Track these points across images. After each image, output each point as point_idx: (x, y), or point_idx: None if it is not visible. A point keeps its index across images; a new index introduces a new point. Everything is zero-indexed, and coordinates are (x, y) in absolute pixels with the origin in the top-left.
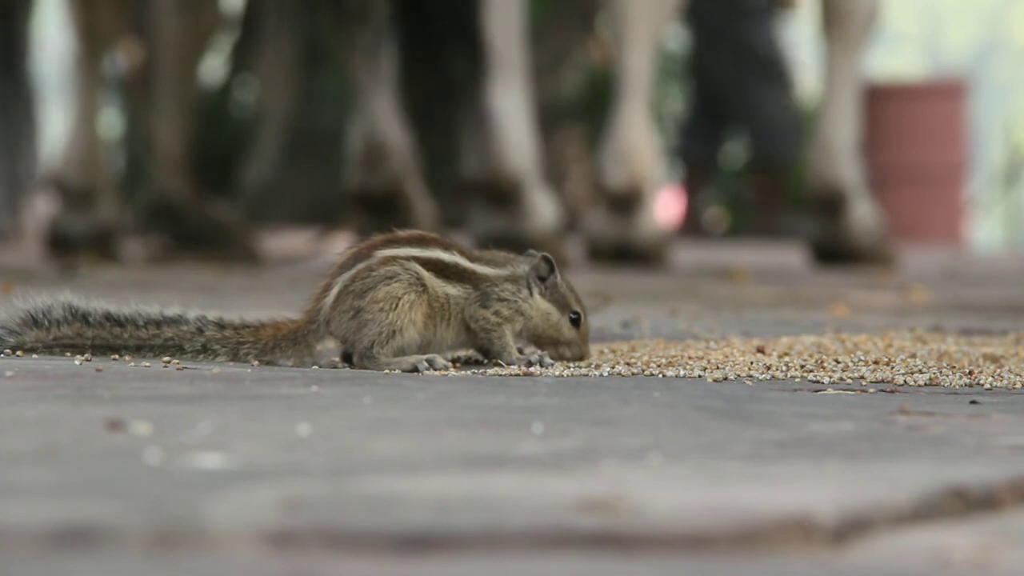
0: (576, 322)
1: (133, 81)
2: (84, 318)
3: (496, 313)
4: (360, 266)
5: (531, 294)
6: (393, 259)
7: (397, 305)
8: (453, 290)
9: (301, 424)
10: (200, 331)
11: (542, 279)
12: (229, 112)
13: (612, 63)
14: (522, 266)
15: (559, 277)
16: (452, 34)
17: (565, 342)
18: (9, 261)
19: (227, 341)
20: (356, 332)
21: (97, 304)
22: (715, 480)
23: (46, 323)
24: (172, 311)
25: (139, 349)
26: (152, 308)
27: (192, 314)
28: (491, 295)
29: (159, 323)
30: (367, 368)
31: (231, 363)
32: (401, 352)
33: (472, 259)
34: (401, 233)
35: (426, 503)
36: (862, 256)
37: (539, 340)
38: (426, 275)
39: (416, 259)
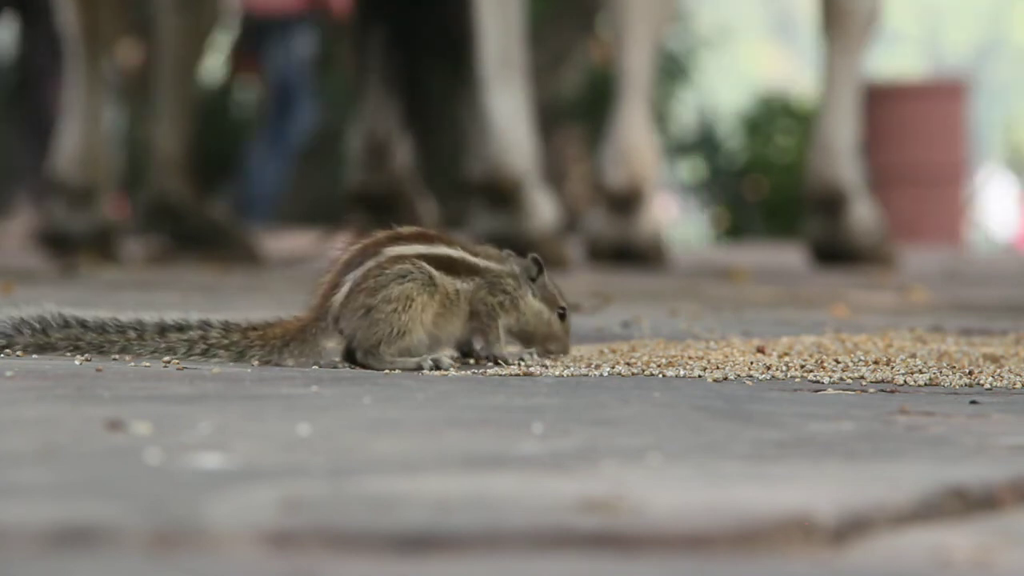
0: (563, 317)
1: (133, 81)
2: (82, 324)
3: (500, 304)
4: (370, 264)
5: (526, 294)
6: (403, 257)
7: (410, 306)
8: (463, 284)
9: (301, 424)
10: (204, 337)
11: (532, 279)
12: (229, 112)
13: (612, 63)
14: (515, 265)
15: (547, 276)
16: (452, 33)
17: (554, 338)
18: (9, 261)
19: (235, 345)
20: (366, 330)
21: (91, 313)
22: (715, 480)
23: (28, 331)
24: (174, 316)
25: (124, 351)
26: (153, 315)
27: (195, 319)
28: (497, 285)
29: (163, 329)
30: (370, 366)
31: (231, 363)
32: (407, 352)
33: (474, 254)
34: (404, 230)
35: (426, 503)
36: (862, 256)
37: (529, 338)
38: (436, 273)
39: (424, 256)
